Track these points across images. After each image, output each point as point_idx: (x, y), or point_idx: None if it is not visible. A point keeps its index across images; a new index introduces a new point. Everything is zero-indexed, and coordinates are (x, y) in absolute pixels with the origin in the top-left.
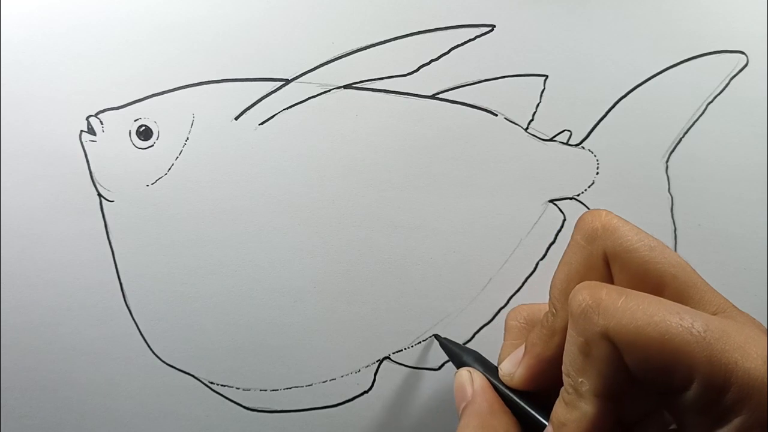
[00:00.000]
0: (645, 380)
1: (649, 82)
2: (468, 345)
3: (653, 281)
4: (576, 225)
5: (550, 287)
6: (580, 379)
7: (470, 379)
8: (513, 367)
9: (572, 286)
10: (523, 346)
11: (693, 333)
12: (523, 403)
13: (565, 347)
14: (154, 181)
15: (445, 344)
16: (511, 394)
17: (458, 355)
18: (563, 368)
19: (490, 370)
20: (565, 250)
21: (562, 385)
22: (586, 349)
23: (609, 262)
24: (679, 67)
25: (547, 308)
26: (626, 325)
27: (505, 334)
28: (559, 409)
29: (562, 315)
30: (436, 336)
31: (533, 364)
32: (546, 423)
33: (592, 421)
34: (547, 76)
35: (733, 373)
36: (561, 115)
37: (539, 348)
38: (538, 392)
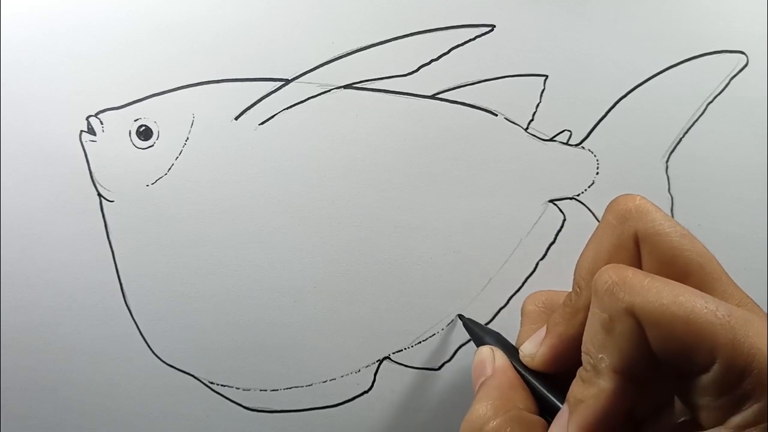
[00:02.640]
0: (666, 360)
1: (649, 82)
2: (467, 345)
3: (680, 268)
4: (608, 206)
5: (576, 267)
6: (600, 356)
7: (492, 356)
8: (534, 348)
9: (599, 266)
10: (543, 328)
11: (717, 316)
12: (540, 385)
13: (587, 325)
14: (154, 181)
15: (468, 324)
16: (530, 377)
17: (480, 335)
18: (583, 347)
19: (510, 352)
20: (595, 231)
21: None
22: (609, 325)
23: (639, 243)
24: (679, 67)
25: (567, 293)
26: (652, 302)
27: (522, 319)
28: (575, 387)
29: (586, 294)
30: (460, 316)
31: (555, 344)
32: (561, 406)
33: (610, 397)
34: (547, 76)
35: (754, 358)
36: (561, 115)
37: (562, 327)
38: (556, 378)
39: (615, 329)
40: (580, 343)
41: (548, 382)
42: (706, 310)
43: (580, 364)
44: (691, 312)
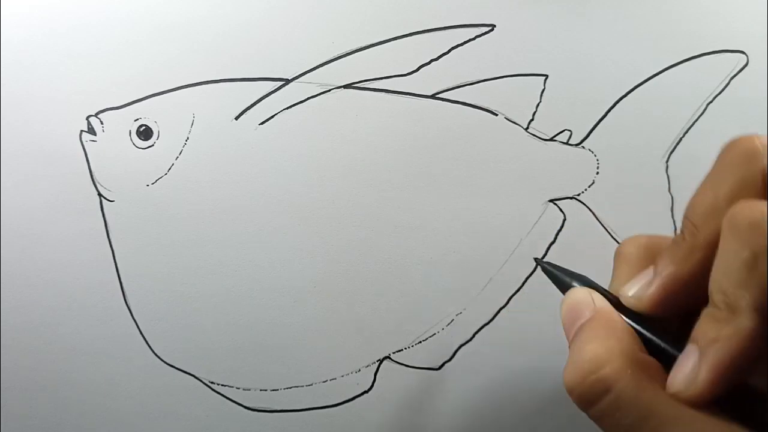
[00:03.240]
0: None
1: (649, 82)
2: (467, 345)
3: None
4: (727, 146)
5: (690, 206)
6: (740, 293)
7: (590, 298)
8: (641, 289)
9: (721, 205)
10: (648, 270)
11: None
12: (648, 331)
13: (720, 263)
14: (154, 180)
15: (549, 268)
16: (635, 323)
17: (565, 280)
18: (713, 285)
19: (606, 297)
20: (710, 172)
21: (689, 313)
22: (752, 262)
23: None
24: (679, 67)
25: (673, 237)
26: None
27: (616, 263)
28: (706, 326)
29: (704, 232)
30: (536, 259)
31: (667, 284)
32: (676, 353)
33: (750, 336)
34: (547, 76)
35: None
36: (561, 115)
37: (674, 267)
38: (662, 322)
39: (758, 266)
40: (692, 287)
41: (653, 328)
42: None
43: (688, 309)
44: None
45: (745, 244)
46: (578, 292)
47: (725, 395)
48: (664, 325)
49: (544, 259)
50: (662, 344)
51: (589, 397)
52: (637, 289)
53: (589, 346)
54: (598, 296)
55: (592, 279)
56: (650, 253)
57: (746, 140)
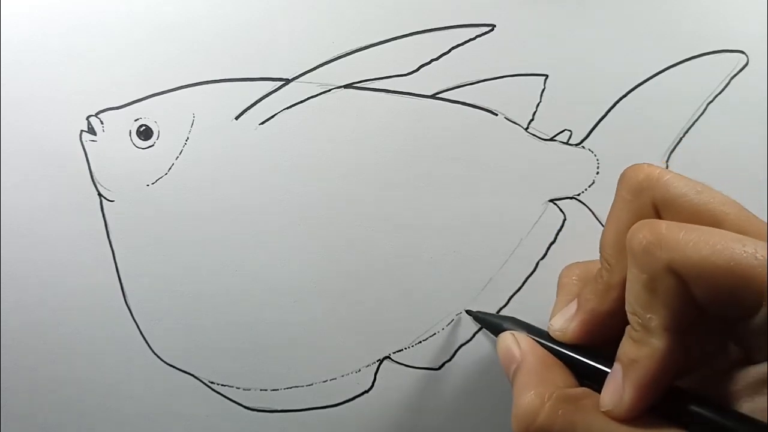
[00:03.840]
0: (713, 309)
1: (649, 82)
2: (467, 345)
3: (707, 222)
4: (619, 181)
5: (601, 245)
6: (648, 316)
7: (515, 340)
8: (566, 323)
9: (624, 240)
10: (573, 303)
11: (758, 258)
12: (577, 354)
13: (628, 287)
14: (154, 180)
15: (479, 316)
16: (563, 349)
17: (495, 323)
18: (628, 308)
19: (532, 331)
20: (612, 208)
21: (613, 340)
22: (651, 285)
23: (659, 211)
24: (679, 67)
25: (598, 268)
26: (691, 257)
27: (558, 291)
28: (627, 347)
29: (617, 269)
30: (468, 311)
31: (587, 319)
32: (606, 370)
33: (664, 354)
34: (547, 76)
35: None
36: (561, 115)
37: (593, 303)
38: (586, 347)
39: (658, 288)
40: (612, 319)
41: (581, 351)
42: (745, 254)
43: (612, 337)
44: (731, 259)
45: (642, 268)
46: (505, 337)
47: (657, 401)
48: (595, 349)
49: (474, 311)
50: (591, 366)
51: None
52: (562, 323)
53: (522, 397)
54: (523, 337)
55: (519, 319)
56: (583, 283)
57: (633, 174)
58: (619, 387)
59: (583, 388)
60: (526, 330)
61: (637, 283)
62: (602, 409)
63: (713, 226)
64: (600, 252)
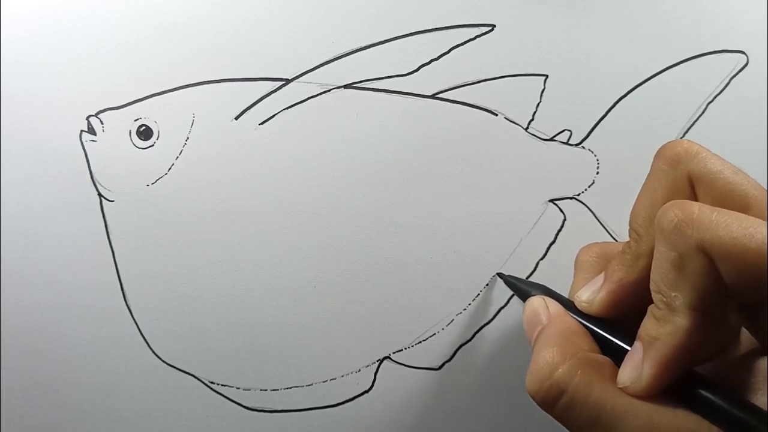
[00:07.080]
0: (740, 291)
1: (649, 82)
2: (467, 345)
3: (739, 202)
4: (657, 153)
5: (632, 215)
6: (673, 294)
7: (545, 305)
8: (592, 294)
9: (657, 211)
10: (600, 276)
11: None
12: (600, 330)
13: (655, 265)
14: (154, 181)
15: (510, 281)
16: (588, 323)
17: (525, 289)
18: (652, 286)
19: (561, 302)
20: (647, 179)
21: (638, 313)
22: (679, 263)
23: (694, 185)
24: (679, 67)
25: (623, 243)
26: (722, 237)
27: (576, 270)
28: (648, 324)
29: (646, 240)
30: (500, 274)
31: (615, 290)
32: (627, 348)
33: (687, 333)
34: (547, 76)
35: None
36: (561, 115)
37: (622, 273)
38: (612, 322)
39: (686, 267)
40: (639, 289)
41: (606, 326)
42: None
43: (637, 309)
44: (762, 243)
45: (672, 246)
46: (535, 300)
47: (672, 384)
48: (618, 325)
49: (505, 275)
50: (614, 342)
51: (548, 400)
52: (588, 294)
53: (543, 352)
54: (553, 303)
55: (550, 287)
56: (604, 261)
57: (672, 146)
58: (637, 364)
59: (607, 359)
60: (558, 300)
61: (665, 261)
62: (619, 386)
63: (743, 207)
64: (630, 223)
